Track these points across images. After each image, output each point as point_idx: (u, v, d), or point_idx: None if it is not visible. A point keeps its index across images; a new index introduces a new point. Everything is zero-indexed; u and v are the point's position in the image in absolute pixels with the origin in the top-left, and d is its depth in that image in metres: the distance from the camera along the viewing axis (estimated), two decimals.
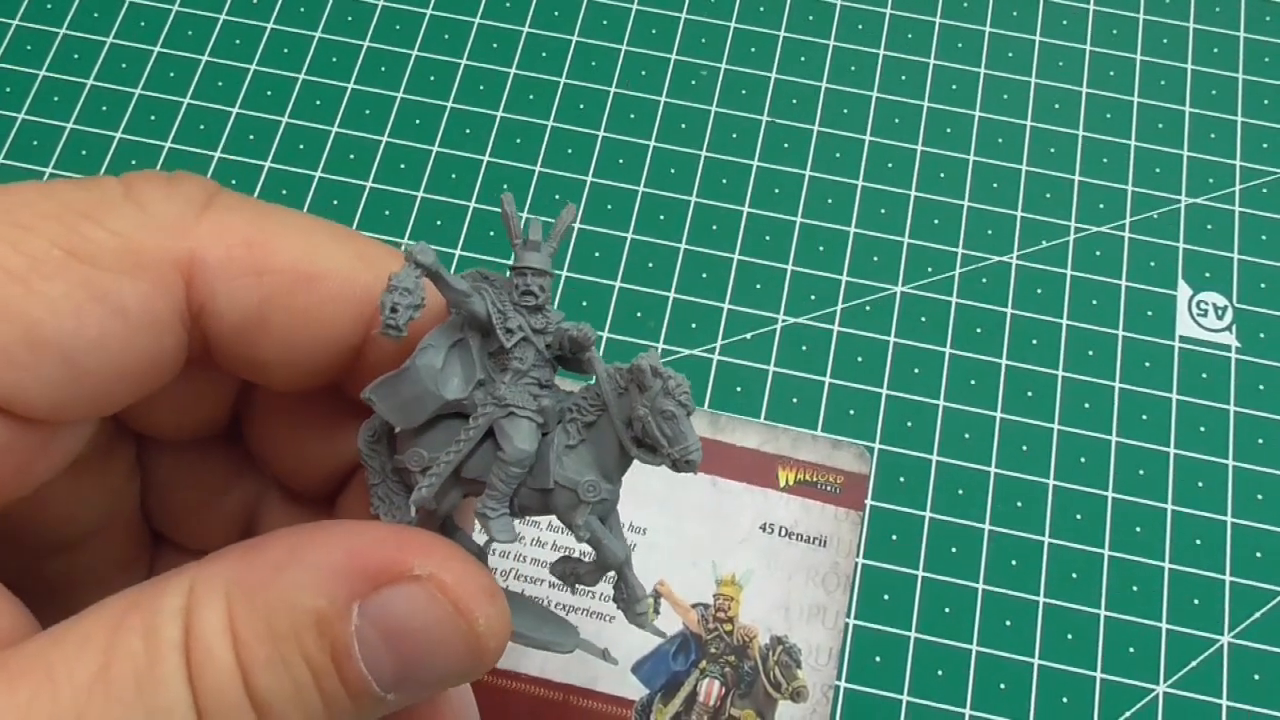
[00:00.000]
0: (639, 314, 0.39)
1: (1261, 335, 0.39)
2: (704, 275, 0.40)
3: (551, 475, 0.23)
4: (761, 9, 0.44)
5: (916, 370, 0.38)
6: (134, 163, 0.41)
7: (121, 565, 0.28)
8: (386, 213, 0.40)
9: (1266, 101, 0.43)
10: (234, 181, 0.41)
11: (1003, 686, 0.34)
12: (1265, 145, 0.42)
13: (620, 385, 0.22)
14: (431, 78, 0.43)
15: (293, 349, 0.23)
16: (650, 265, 0.40)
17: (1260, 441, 0.38)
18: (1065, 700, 0.34)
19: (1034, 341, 0.39)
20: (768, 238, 0.40)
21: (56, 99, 0.42)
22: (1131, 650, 0.35)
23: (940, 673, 0.35)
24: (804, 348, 0.39)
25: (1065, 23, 0.44)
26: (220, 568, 0.21)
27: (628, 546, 0.24)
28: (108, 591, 0.28)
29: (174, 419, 0.26)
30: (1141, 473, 0.37)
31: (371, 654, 0.20)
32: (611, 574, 0.24)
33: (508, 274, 0.23)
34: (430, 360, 0.22)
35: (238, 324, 0.23)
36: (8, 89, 0.42)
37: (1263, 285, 0.40)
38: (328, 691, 0.20)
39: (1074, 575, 0.36)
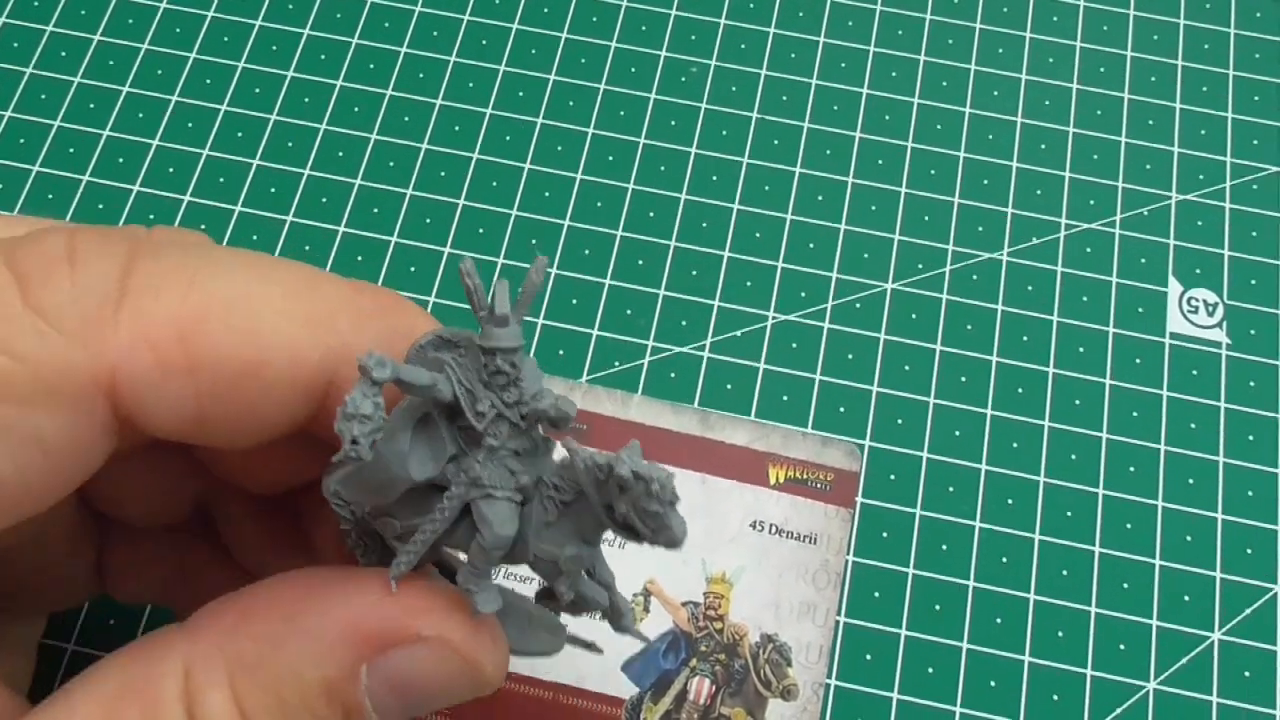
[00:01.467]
0: (629, 311, 0.39)
1: (1252, 332, 0.39)
2: (694, 273, 0.40)
3: (531, 550, 0.22)
4: (751, 5, 0.44)
5: (907, 367, 0.38)
6: (120, 161, 0.41)
7: (70, 553, 0.27)
8: (375, 210, 0.40)
9: (1257, 98, 0.43)
10: (221, 180, 0.40)
11: (993, 684, 0.34)
12: (1256, 141, 0.42)
13: (599, 477, 0.21)
14: (420, 74, 0.43)
15: (237, 433, 0.21)
16: (640, 263, 0.40)
17: (1251, 438, 0.38)
18: (1056, 698, 0.34)
19: (1024, 338, 0.39)
20: (758, 235, 0.40)
21: (44, 96, 0.42)
22: (1122, 647, 0.35)
23: (931, 670, 0.35)
24: (794, 345, 0.39)
25: (1056, 19, 0.44)
26: (215, 644, 0.20)
27: (612, 576, 0.23)
28: (52, 582, 0.27)
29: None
30: (1132, 469, 0.37)
31: (381, 705, 0.20)
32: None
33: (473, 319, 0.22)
34: (398, 447, 0.21)
35: (174, 423, 0.21)
36: None
37: (1253, 282, 0.40)
38: None
39: (1064, 572, 0.36)
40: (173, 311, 0.20)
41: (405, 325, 0.22)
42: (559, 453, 0.22)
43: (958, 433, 0.37)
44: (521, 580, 0.34)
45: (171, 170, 0.41)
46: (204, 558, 0.28)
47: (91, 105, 0.42)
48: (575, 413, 0.21)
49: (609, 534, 0.22)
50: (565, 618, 0.26)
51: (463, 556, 0.23)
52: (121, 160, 0.41)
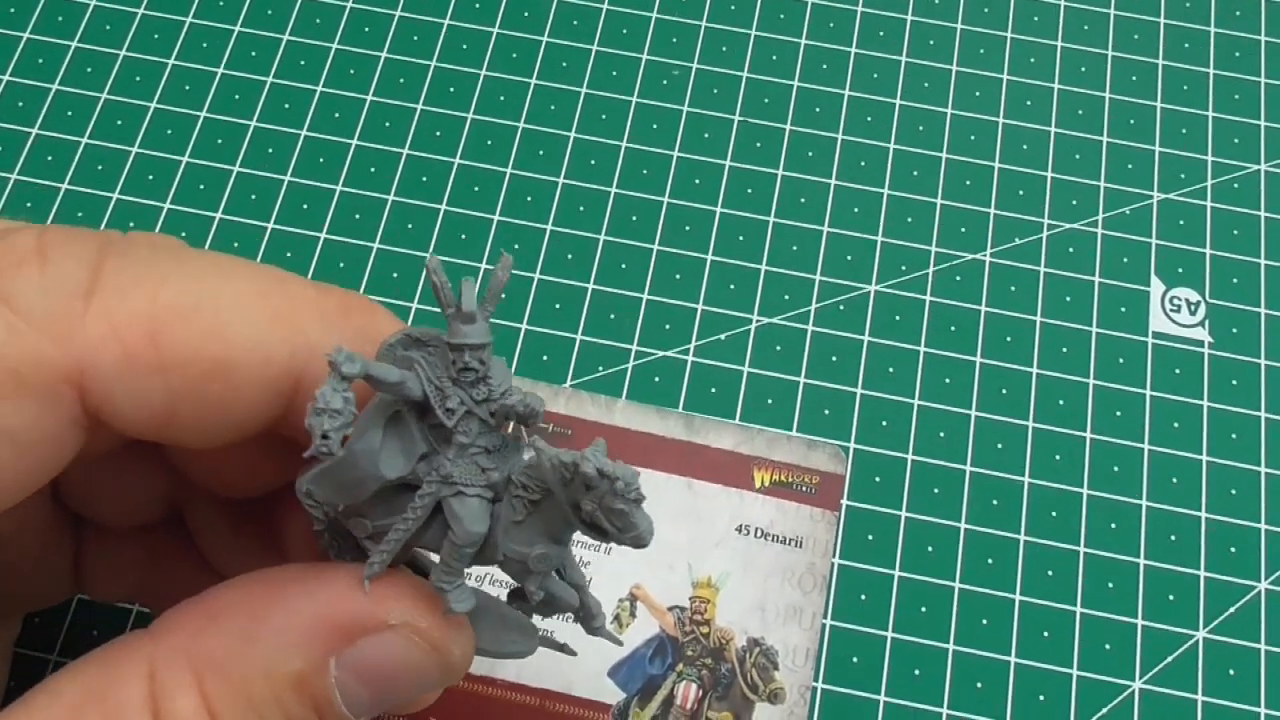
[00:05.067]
0: (612, 316, 0.39)
1: (1234, 330, 0.39)
2: (677, 276, 0.39)
3: (500, 550, 0.22)
4: (733, 7, 0.44)
5: (891, 369, 0.38)
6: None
7: (43, 552, 0.27)
8: (357, 216, 0.40)
9: (1238, 96, 0.43)
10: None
11: (979, 685, 0.34)
12: (1237, 140, 0.42)
13: (566, 475, 0.21)
14: (400, 80, 0.42)
15: (206, 432, 0.22)
16: (623, 266, 0.40)
17: (1234, 437, 0.38)
18: (1042, 698, 0.34)
19: (1008, 339, 0.39)
20: (741, 238, 0.40)
21: (21, 104, 0.41)
22: (1107, 647, 0.35)
23: (917, 672, 0.35)
24: (778, 348, 0.39)
25: (1036, 19, 0.44)
26: (180, 645, 0.20)
27: (583, 577, 0.24)
28: (26, 580, 0.27)
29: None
30: (1116, 469, 0.37)
31: (351, 695, 0.20)
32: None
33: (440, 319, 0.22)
34: (369, 444, 0.21)
35: (143, 420, 0.21)
36: None
37: (1235, 280, 0.40)
38: None
39: (1049, 573, 0.36)
40: (142, 309, 0.20)
41: (372, 326, 0.23)
42: (529, 454, 0.22)
43: (942, 434, 0.37)
44: (495, 584, 0.34)
45: (151, 178, 0.40)
46: (179, 557, 0.28)
47: (69, 113, 0.41)
48: (544, 409, 0.22)
49: (591, 540, 0.22)
50: (537, 619, 0.26)
51: (435, 558, 0.23)
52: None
